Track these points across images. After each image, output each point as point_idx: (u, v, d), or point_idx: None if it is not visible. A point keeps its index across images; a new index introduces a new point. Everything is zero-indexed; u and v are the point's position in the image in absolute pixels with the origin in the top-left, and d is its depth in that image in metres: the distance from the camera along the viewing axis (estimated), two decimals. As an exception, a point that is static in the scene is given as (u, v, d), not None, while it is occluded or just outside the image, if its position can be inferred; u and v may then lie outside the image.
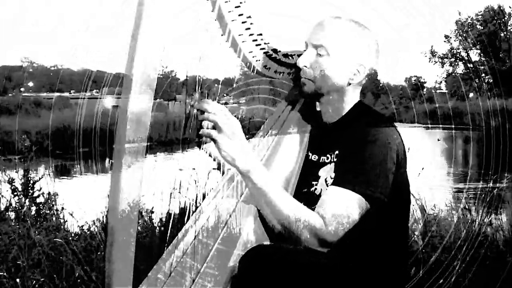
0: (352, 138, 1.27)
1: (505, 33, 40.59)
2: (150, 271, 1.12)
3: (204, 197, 1.40)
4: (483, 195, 3.18)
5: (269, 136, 1.57)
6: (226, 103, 1.40)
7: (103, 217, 3.00)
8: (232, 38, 1.35)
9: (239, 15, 1.30)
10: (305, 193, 1.35)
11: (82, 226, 2.75)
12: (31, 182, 2.94)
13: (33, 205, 2.93)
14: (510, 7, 40.07)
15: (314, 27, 1.36)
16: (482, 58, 41.69)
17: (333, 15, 1.37)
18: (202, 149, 1.30)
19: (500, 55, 40.18)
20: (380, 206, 1.20)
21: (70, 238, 2.49)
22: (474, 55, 42.17)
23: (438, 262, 2.39)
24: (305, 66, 1.36)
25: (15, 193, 2.89)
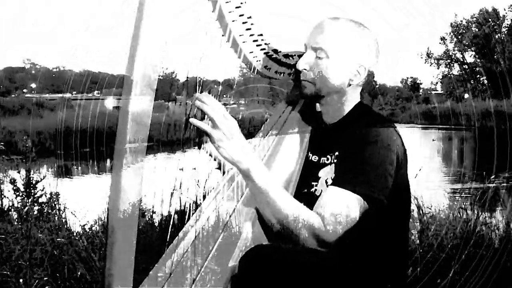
0: (353, 138, 1.25)
1: (499, 35, 40.66)
2: (150, 270, 1.11)
3: (204, 197, 1.38)
4: (478, 195, 3.18)
5: (269, 136, 1.55)
6: (225, 104, 1.38)
7: (104, 216, 3.00)
8: (232, 39, 1.33)
9: (240, 15, 1.28)
10: (305, 193, 1.33)
11: (84, 225, 2.74)
12: (33, 182, 2.94)
13: (35, 205, 2.93)
14: (504, 10, 40.18)
15: (313, 29, 1.34)
16: (477, 60, 41.77)
17: (331, 16, 1.35)
18: (203, 148, 1.29)
19: (495, 56, 40.25)
20: (380, 207, 1.18)
21: (72, 237, 2.48)
22: (469, 56, 42.27)
23: (435, 261, 2.38)
24: (305, 69, 1.34)
25: (17, 193, 2.89)
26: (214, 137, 1.13)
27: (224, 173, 1.52)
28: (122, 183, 0.92)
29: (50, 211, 2.95)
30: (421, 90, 51.23)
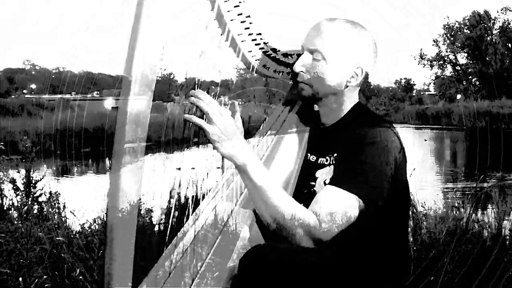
0: (351, 139, 1.23)
1: (491, 37, 40.82)
2: (150, 270, 1.10)
3: (203, 196, 1.38)
4: (470, 194, 3.20)
5: (268, 136, 1.53)
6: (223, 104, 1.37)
7: (103, 215, 2.99)
8: (231, 38, 1.31)
9: (238, 14, 1.27)
10: (305, 193, 1.31)
11: (83, 224, 2.74)
12: (33, 181, 2.93)
13: (35, 204, 2.92)
14: (497, 12, 40.29)
15: (309, 31, 1.31)
16: (469, 61, 41.90)
17: (328, 17, 1.32)
18: (207, 146, 1.27)
19: (487, 58, 40.40)
20: (378, 207, 1.16)
21: (72, 236, 2.48)
22: (462, 58, 42.40)
23: (428, 258, 2.39)
24: (302, 71, 1.31)
25: (17, 193, 2.88)
26: (209, 131, 1.11)
27: (223, 171, 1.51)
28: (121, 182, 0.92)
29: (50, 210, 2.95)
30: (414, 91, 51.37)
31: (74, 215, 2.81)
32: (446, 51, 42.37)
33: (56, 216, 2.88)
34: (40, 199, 2.95)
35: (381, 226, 1.21)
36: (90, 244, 2.38)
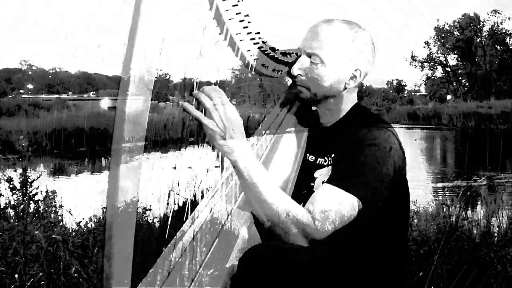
0: (350, 140, 1.21)
1: (480, 39, 41.12)
2: (149, 270, 1.08)
3: (202, 196, 1.36)
4: (460, 193, 3.21)
5: (266, 136, 1.52)
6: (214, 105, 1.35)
7: (99, 214, 2.99)
8: (230, 37, 1.30)
9: (237, 13, 1.25)
10: (304, 194, 1.29)
11: (80, 222, 2.73)
12: (29, 180, 2.92)
13: (31, 202, 2.91)
14: (488, 14, 40.54)
15: (307, 34, 1.29)
16: (459, 63, 42.18)
17: (326, 19, 1.30)
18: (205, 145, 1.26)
19: (476, 59, 40.69)
20: (376, 208, 1.15)
21: (68, 235, 2.47)
22: (452, 59, 42.65)
23: (417, 255, 2.40)
24: (300, 74, 1.30)
25: (14, 192, 2.87)
26: (206, 124, 1.08)
27: (222, 170, 1.46)
28: (119, 182, 0.91)
29: (46, 208, 2.94)
30: (405, 92, 51.67)
31: (71, 214, 2.81)
32: (437, 53, 42.67)
33: (52, 215, 2.87)
34: (36, 198, 2.94)
35: (380, 227, 1.20)
36: (86, 242, 2.37)
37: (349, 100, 1.33)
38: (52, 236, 2.30)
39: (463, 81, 42.09)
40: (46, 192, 3.00)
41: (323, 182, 1.24)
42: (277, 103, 1.61)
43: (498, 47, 40.71)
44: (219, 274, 1.08)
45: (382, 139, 1.18)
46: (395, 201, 1.20)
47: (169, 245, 1.15)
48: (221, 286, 1.06)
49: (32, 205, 2.91)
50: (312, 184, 1.29)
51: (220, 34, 1.26)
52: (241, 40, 1.34)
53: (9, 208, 2.88)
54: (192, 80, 1.12)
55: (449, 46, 41.19)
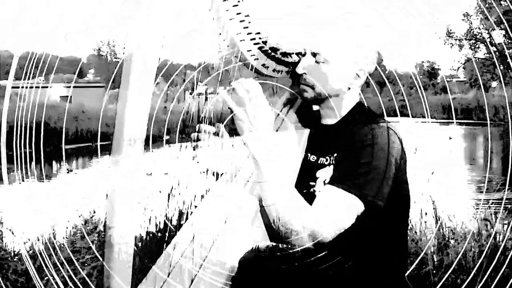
0: (352, 139, 1.46)
1: (534, 10, 41.20)
2: (148, 271, 1.27)
3: (202, 197, 1.64)
4: (509, 206, 3.24)
5: None
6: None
7: (49, 234, 2.99)
8: (229, 37, 1.53)
9: (237, 13, 1.51)
10: (304, 193, 1.47)
11: (25, 243, 2.73)
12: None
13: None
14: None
15: (311, 33, 1.55)
16: (507, 40, 42.24)
17: (330, 18, 1.56)
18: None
19: (529, 36, 40.78)
20: (377, 209, 1.39)
21: (8, 258, 2.47)
22: (498, 36, 42.76)
23: (453, 284, 2.42)
24: (304, 73, 1.57)
25: None
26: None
27: (217, 175, 1.73)
28: (119, 181, 1.08)
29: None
30: (439, 77, 51.94)
31: (12, 233, 2.80)
32: (479, 28, 42.70)
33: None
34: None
35: (381, 227, 1.45)
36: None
37: (351, 99, 1.61)
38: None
39: (512, 63, 42.23)
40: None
41: (324, 182, 1.50)
42: (278, 103, 1.82)
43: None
44: (220, 275, 1.29)
45: (383, 138, 1.43)
46: (397, 200, 1.46)
47: (169, 245, 1.37)
48: (221, 286, 1.28)
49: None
50: (313, 184, 1.53)
51: (219, 34, 1.53)
52: (241, 41, 1.57)
53: None
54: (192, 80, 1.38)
55: (495, 19, 41.34)
